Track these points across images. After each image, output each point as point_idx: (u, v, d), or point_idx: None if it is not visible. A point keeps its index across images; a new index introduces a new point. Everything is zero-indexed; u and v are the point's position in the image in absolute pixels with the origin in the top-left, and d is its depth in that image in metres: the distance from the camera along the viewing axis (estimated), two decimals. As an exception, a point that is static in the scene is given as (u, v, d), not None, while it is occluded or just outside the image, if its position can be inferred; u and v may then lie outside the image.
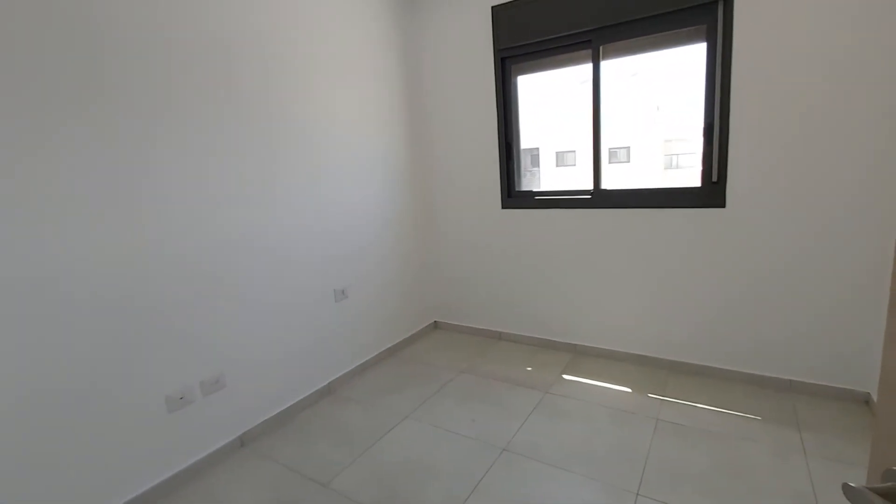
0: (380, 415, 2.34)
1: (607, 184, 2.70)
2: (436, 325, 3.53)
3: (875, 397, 2.12)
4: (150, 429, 1.81)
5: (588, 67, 2.61)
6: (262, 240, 2.20)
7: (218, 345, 2.04)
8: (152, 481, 1.82)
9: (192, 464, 1.94)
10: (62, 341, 1.56)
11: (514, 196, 3.04)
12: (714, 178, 2.34)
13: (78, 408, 1.61)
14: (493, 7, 2.81)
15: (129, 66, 1.69)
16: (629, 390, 2.44)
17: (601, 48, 2.56)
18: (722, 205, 2.33)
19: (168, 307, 1.85)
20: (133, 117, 1.71)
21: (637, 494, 1.70)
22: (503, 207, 3.05)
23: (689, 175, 2.44)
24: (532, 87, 3.03)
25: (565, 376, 2.64)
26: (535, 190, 3.00)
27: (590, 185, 2.73)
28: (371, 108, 2.82)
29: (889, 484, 0.49)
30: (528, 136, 3.09)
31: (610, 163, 2.69)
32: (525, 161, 3.14)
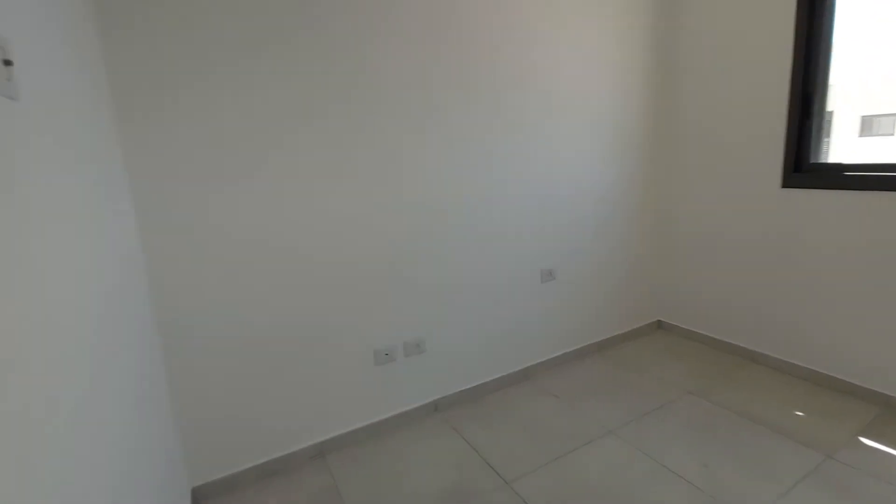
0: (579, 419, 2.02)
1: None
2: (659, 325, 2.93)
3: None
4: (359, 375, 1.94)
5: None
6: (474, 208, 2.09)
7: (421, 310, 2.04)
8: (356, 423, 1.96)
9: (390, 416, 2.03)
10: (302, 294, 1.75)
11: (805, 171, 2.16)
12: None
13: (306, 344, 1.81)
14: None
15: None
16: None
17: None
18: None
19: (381, 270, 1.91)
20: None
21: None
22: (784, 186, 2.21)
23: None
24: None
25: (865, 440, 1.78)
26: (844, 163, 2.06)
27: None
28: (602, 52, 2.35)
29: None
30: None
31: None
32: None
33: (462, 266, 2.11)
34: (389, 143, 1.84)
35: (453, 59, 1.92)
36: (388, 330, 1.98)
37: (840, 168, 2.05)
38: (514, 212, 2.21)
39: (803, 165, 2.16)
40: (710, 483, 1.61)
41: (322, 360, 1.85)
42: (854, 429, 1.84)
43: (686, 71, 2.51)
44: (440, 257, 2.05)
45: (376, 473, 1.77)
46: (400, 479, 1.73)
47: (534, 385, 2.34)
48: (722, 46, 2.33)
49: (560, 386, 2.31)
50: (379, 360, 1.98)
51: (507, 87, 2.07)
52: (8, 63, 0.62)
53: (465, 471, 1.75)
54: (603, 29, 2.31)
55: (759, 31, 2.18)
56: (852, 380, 2.06)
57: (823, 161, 2.15)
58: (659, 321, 2.92)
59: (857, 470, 1.62)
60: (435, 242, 2.02)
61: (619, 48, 2.38)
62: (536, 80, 2.14)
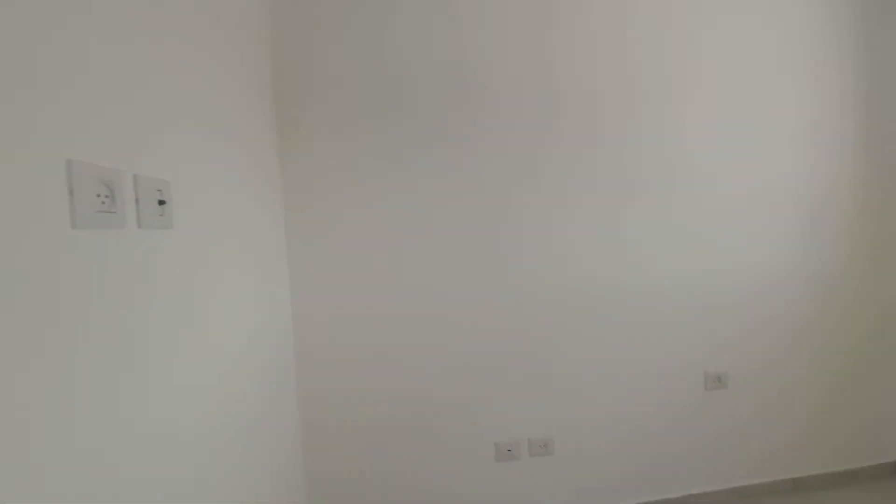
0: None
1: None
2: (898, 470, 2.10)
3: None
4: (477, 468, 1.81)
5: None
6: (617, 292, 1.87)
7: (551, 404, 1.85)
8: (473, 524, 1.81)
9: (511, 523, 1.83)
10: (424, 374, 1.77)
11: None
12: None
13: (424, 429, 1.78)
14: None
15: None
16: None
17: None
18: None
19: (509, 350, 1.82)
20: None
21: None
22: None
23: None
24: None
25: None
26: None
27: None
28: (786, 116, 1.96)
29: None
30: None
31: None
32: None
33: (602, 353, 1.87)
34: (534, 223, 1.80)
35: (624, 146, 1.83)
36: (512, 422, 1.83)
37: None
38: (672, 301, 1.90)
39: None
40: None
41: (439, 447, 1.78)
42: None
43: (922, 131, 1.92)
44: (575, 346, 1.85)
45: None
46: None
47: (694, 522, 1.86)
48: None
49: (732, 531, 1.79)
50: (501, 455, 1.82)
51: (678, 162, 1.87)
52: (162, 203, 0.78)
53: None
54: (805, 90, 1.95)
55: None
56: None
57: None
58: (897, 463, 2.10)
59: None
60: (571, 329, 1.85)
61: (820, 111, 1.97)
62: (709, 154, 1.90)
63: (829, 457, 2.06)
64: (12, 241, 0.52)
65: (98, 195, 0.64)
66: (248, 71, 1.35)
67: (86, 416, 0.62)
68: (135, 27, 0.78)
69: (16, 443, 0.50)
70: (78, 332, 0.61)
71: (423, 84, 1.72)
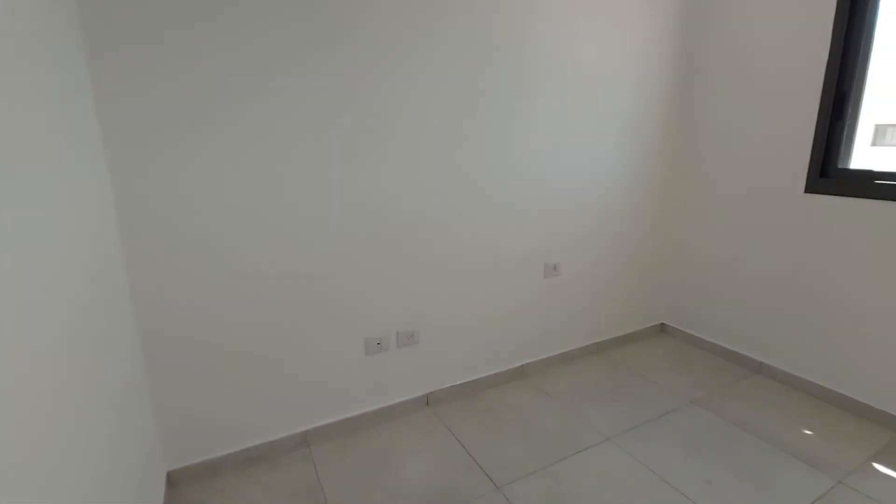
0: (574, 424, 1.92)
1: None
2: (662, 329, 2.83)
3: None
4: (349, 363, 1.84)
5: None
6: (476, 197, 1.96)
7: (416, 300, 1.93)
8: (344, 413, 1.87)
9: (379, 409, 1.94)
10: (292, 276, 1.64)
11: (832, 176, 2.03)
12: None
13: (295, 328, 1.70)
14: None
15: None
16: None
17: None
18: None
19: (375, 253, 1.80)
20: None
21: None
22: (808, 191, 2.08)
23: None
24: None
25: (878, 466, 1.68)
26: (875, 170, 1.93)
27: None
28: (618, 41, 2.21)
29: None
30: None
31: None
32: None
33: (460, 253, 2.00)
34: (390, 122, 1.71)
35: (458, 46, 1.78)
36: (381, 319, 1.87)
37: (870, 175, 1.92)
38: (520, 202, 2.09)
39: (829, 171, 2.03)
40: (713, 502, 1.51)
41: (311, 345, 1.74)
42: (868, 452, 1.74)
43: (709, 60, 2.36)
44: (438, 243, 1.93)
45: (361, 467, 1.68)
46: (385, 475, 1.64)
47: (530, 384, 2.24)
48: (751, 34, 2.18)
49: (558, 386, 2.21)
50: (370, 349, 1.87)
51: (512, 70, 1.93)
52: None
53: (454, 471, 1.66)
54: (622, 10, 2.15)
55: (795, 19, 2.03)
56: (867, 400, 1.96)
57: (854, 168, 2.01)
58: (662, 324, 2.82)
59: (872, 501, 1.52)
60: (434, 228, 1.90)
61: (639, 33, 2.23)
62: (545, 63, 2.01)
63: (620, 324, 2.64)
64: None
65: None
66: None
67: None
68: None
69: None
70: None
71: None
